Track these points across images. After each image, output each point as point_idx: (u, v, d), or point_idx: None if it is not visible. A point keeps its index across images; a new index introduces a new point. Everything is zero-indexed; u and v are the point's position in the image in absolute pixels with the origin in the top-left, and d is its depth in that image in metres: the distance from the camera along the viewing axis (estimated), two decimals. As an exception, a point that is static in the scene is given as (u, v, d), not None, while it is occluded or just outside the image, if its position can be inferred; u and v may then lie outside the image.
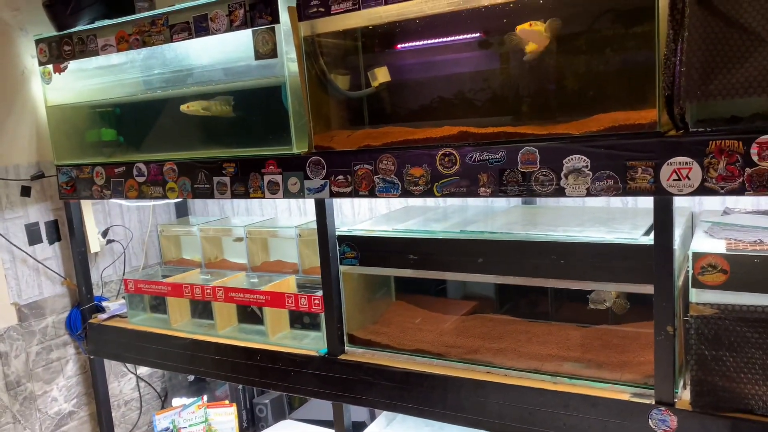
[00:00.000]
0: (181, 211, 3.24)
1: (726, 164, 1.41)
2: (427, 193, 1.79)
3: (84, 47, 2.45)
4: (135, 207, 3.07)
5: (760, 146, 1.37)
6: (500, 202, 2.44)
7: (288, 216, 2.97)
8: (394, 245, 2.00)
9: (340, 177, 1.93)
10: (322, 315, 2.14)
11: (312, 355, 2.13)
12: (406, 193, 1.83)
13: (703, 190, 1.44)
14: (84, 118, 2.67)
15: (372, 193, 1.88)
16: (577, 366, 1.80)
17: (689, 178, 1.45)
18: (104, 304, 2.80)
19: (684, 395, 1.63)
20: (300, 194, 2.02)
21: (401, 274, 2.03)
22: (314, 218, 2.66)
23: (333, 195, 1.96)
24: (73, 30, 2.45)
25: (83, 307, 2.73)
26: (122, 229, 2.99)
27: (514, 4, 1.69)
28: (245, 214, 3.13)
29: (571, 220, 1.99)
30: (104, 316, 2.73)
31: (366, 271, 2.09)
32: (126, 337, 2.62)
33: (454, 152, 1.73)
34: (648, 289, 1.59)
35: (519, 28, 1.64)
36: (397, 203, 2.62)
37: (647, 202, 2.16)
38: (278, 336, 2.31)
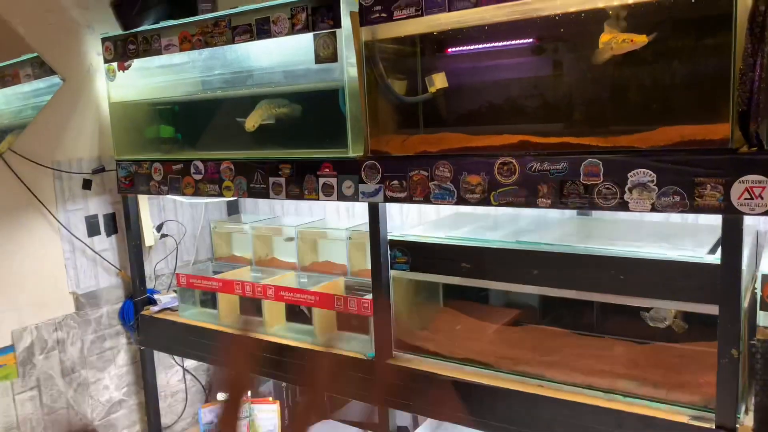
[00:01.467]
0: (233, 209, 3.29)
1: (803, 184, 1.36)
2: (484, 202, 1.77)
3: (148, 46, 2.51)
4: (188, 203, 3.14)
5: (841, 167, 1.32)
6: (553, 213, 2.40)
7: (337, 217, 2.99)
8: (446, 252, 1.99)
9: (395, 182, 1.93)
10: (371, 318, 2.15)
11: (360, 358, 2.14)
12: (462, 201, 1.81)
13: (776, 210, 1.39)
14: (144, 114, 2.75)
15: (427, 200, 1.88)
16: (632, 384, 1.76)
17: (762, 198, 1.40)
18: (156, 296, 2.87)
19: (746, 420, 1.58)
20: (354, 197, 2.03)
21: (453, 282, 2.01)
22: (363, 221, 2.69)
23: (387, 200, 1.96)
24: (138, 29, 2.52)
25: (136, 299, 2.81)
26: (175, 224, 3.06)
27: (585, 14, 1.66)
28: (294, 214, 3.17)
29: (630, 234, 1.95)
30: (156, 308, 2.80)
31: (417, 277, 2.09)
32: (176, 331, 2.68)
33: (513, 161, 1.71)
34: (712, 309, 1.54)
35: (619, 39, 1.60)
36: (448, 209, 2.61)
37: (708, 219, 2.11)
38: (326, 337, 2.32)
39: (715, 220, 2.06)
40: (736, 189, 1.42)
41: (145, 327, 2.79)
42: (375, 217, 2.04)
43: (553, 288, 1.83)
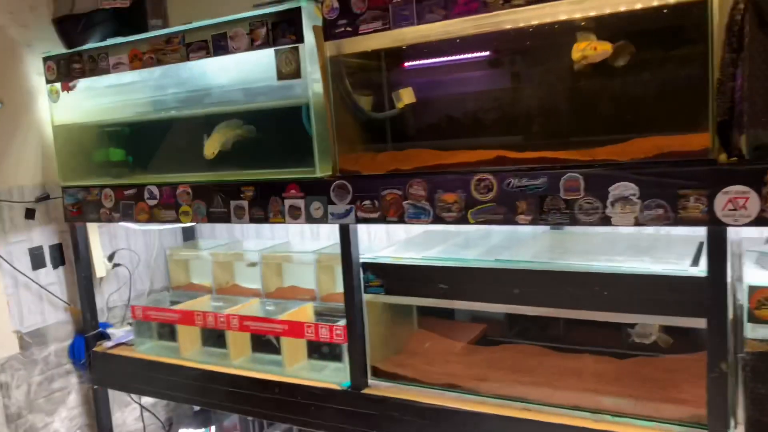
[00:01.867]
0: (188, 235, 3.14)
1: (787, 194, 1.34)
2: (461, 220, 1.71)
3: (95, 65, 2.37)
4: (141, 230, 2.97)
5: (823, 175, 1.31)
6: (525, 228, 2.36)
7: (300, 240, 2.88)
8: (423, 273, 1.91)
9: (367, 202, 1.85)
10: (344, 346, 2.05)
11: (334, 389, 2.03)
12: (438, 220, 1.75)
13: (760, 221, 1.37)
14: (91, 137, 2.59)
15: (401, 220, 1.80)
16: (618, 402, 1.71)
17: (746, 208, 1.38)
18: (109, 331, 2.69)
19: (737, 435, 1.55)
20: (323, 219, 1.94)
21: (431, 304, 1.94)
22: (330, 242, 2.60)
23: (359, 221, 1.88)
24: (83, 48, 2.37)
25: (87, 335, 2.62)
26: (128, 252, 2.89)
27: (558, 25, 1.62)
28: (255, 237, 3.04)
29: (607, 248, 1.92)
30: (109, 343, 2.62)
31: (392, 301, 2.00)
32: (133, 367, 2.51)
33: (490, 177, 1.66)
34: (699, 322, 1.51)
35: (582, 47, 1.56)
36: (417, 228, 2.54)
37: (681, 230, 2.10)
38: (296, 367, 2.20)
39: (689, 231, 2.06)
40: (720, 200, 1.40)
41: (98, 364, 2.61)
42: (346, 240, 1.95)
43: (536, 306, 1.77)
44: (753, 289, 1.43)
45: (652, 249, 1.84)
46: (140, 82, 2.36)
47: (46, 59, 2.48)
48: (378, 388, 2.00)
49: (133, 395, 2.89)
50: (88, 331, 2.62)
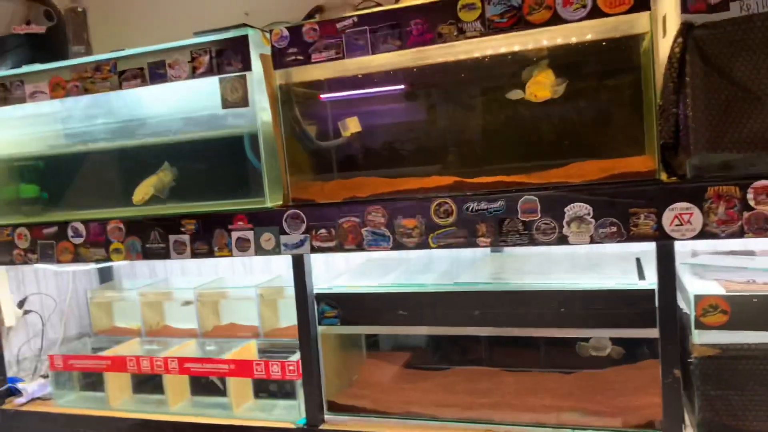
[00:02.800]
0: (105, 274, 2.92)
1: (725, 209, 1.48)
2: (422, 245, 1.72)
3: (7, 94, 2.18)
4: (52, 272, 2.73)
5: (755, 191, 1.45)
6: (466, 252, 2.42)
7: (232, 275, 2.77)
8: (381, 301, 1.90)
9: (323, 231, 1.82)
10: (297, 382, 1.98)
11: (289, 428, 1.95)
12: (399, 246, 1.75)
13: (704, 234, 1.49)
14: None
15: (360, 247, 1.79)
16: (576, 415, 1.77)
17: (691, 223, 1.50)
18: (20, 386, 2.42)
19: (687, 437, 1.65)
20: (275, 251, 1.88)
21: (389, 332, 1.93)
22: (265, 276, 2.53)
23: (315, 250, 1.84)
24: (-6, 75, 2.18)
25: (-6, 392, 2.35)
26: (38, 297, 2.63)
27: (505, 56, 1.71)
28: (180, 274, 2.88)
29: (553, 267, 2.01)
30: (22, 400, 2.36)
31: (348, 331, 1.97)
32: (52, 423, 2.27)
33: (449, 202, 1.69)
34: (651, 333, 1.61)
35: (533, 81, 1.65)
36: (358, 258, 2.53)
37: (615, 248, 2.24)
38: (243, 408, 2.09)
39: (621, 248, 2.21)
40: (667, 216, 1.52)
41: (8, 425, 2.33)
42: (300, 271, 1.90)
43: (495, 327, 1.81)
44: (698, 298, 1.55)
45: (596, 266, 1.94)
46: (63, 112, 2.20)
47: (-54, 87, 2.25)
48: (335, 422, 1.94)
49: (45, 456, 2.61)
50: (-5, 387, 2.35)
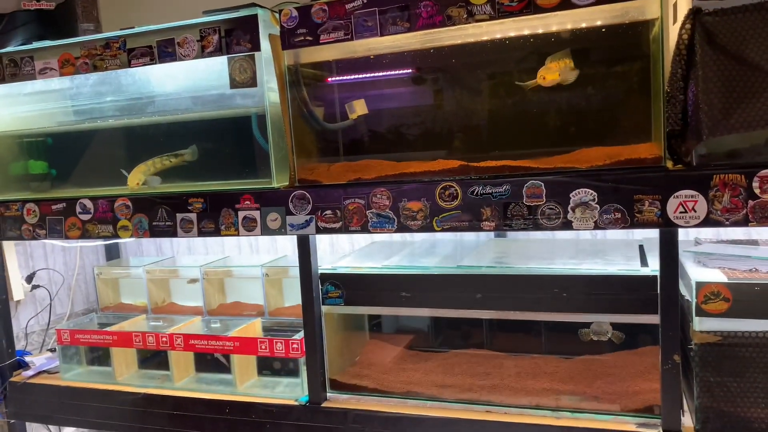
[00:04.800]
0: (112, 251, 2.95)
1: (730, 197, 1.48)
2: (426, 228, 1.73)
3: (17, 70, 2.19)
4: (60, 248, 2.76)
5: (761, 180, 1.45)
6: (469, 236, 2.43)
7: (239, 253, 2.79)
8: (384, 283, 1.92)
9: (328, 212, 1.84)
10: (301, 360, 2.01)
11: (291, 405, 1.98)
12: (403, 228, 1.76)
13: (708, 222, 1.50)
14: (7, 149, 2.38)
15: (365, 229, 1.80)
16: (574, 399, 1.80)
17: (695, 211, 1.50)
18: (27, 359, 2.46)
19: (685, 421, 1.67)
20: (281, 231, 1.90)
21: (392, 313, 1.95)
22: (270, 255, 2.55)
23: (320, 231, 1.85)
24: (4, 50, 2.19)
25: (3, 364, 2.39)
26: (46, 272, 2.67)
27: (514, 41, 1.71)
28: (188, 253, 2.91)
29: (557, 253, 2.02)
30: (29, 372, 2.40)
31: (351, 311, 1.99)
32: (59, 396, 2.31)
33: (455, 185, 1.70)
34: (652, 319, 1.63)
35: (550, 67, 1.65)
36: (363, 241, 2.55)
37: (618, 234, 2.25)
38: (247, 385, 2.13)
39: (624, 235, 2.21)
40: (672, 204, 1.52)
41: (16, 396, 2.37)
42: (305, 251, 1.92)
43: (497, 311, 1.83)
44: (700, 285, 1.56)
45: (600, 253, 1.95)
46: (72, 89, 2.21)
47: (-44, 62, 2.26)
48: (338, 400, 1.97)
49: (52, 428, 2.66)
50: (3, 360, 2.38)
